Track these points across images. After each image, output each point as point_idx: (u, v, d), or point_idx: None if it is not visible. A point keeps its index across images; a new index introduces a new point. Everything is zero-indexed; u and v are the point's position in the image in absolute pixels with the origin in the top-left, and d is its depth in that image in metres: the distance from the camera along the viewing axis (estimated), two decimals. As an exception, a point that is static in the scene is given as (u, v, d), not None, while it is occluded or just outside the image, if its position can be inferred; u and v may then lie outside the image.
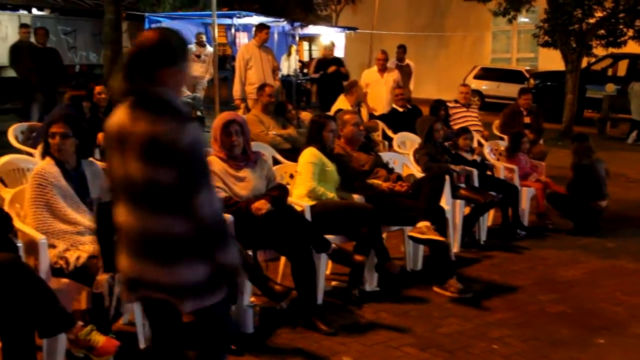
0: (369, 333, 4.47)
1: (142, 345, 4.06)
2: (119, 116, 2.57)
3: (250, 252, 4.38)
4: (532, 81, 19.32)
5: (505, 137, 8.46)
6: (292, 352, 4.14)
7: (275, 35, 16.59)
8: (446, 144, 7.11)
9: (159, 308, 2.64)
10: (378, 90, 9.98)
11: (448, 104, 9.01)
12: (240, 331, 4.29)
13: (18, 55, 10.42)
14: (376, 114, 9.71)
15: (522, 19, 20.32)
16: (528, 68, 21.88)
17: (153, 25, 15.96)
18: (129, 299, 2.71)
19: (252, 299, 4.50)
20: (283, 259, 4.99)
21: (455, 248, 6.29)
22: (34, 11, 16.19)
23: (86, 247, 3.76)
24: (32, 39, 10.67)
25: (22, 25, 11.87)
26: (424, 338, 4.42)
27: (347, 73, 12.03)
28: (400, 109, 9.16)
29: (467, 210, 6.58)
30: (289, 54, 17.17)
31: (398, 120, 8.92)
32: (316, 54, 28.22)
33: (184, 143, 2.45)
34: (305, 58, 25.74)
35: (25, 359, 3.33)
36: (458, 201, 6.36)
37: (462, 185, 6.47)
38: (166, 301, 2.57)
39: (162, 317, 2.69)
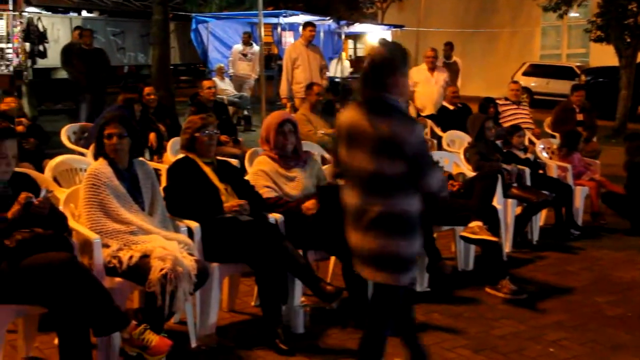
0: (421, 334, 4.39)
1: (193, 344, 4.08)
2: (350, 115, 3.13)
3: (300, 252, 4.35)
4: (583, 77, 18.91)
5: (557, 134, 8.27)
6: (342, 352, 4.09)
7: (322, 34, 16.56)
8: (497, 142, 6.98)
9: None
10: (428, 89, 9.82)
11: (497, 101, 8.86)
12: (291, 332, 4.28)
13: (69, 57, 10.60)
14: (424, 113, 9.59)
15: (573, 13, 19.91)
16: (579, 64, 21.42)
17: (200, 26, 16.12)
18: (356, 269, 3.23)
19: (303, 299, 4.48)
20: (333, 258, 4.95)
21: (507, 248, 6.16)
22: (84, 13, 16.49)
23: (139, 247, 3.78)
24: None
25: (76, 28, 12.09)
26: (477, 340, 4.34)
27: None
28: (451, 107, 9.03)
29: (519, 209, 6.45)
30: (340, 59, 17.14)
31: (448, 118, 8.79)
32: (361, 52, 28.14)
33: (413, 141, 2.96)
34: (352, 56, 25.68)
35: (80, 357, 3.36)
36: (510, 200, 6.24)
37: (514, 184, 6.34)
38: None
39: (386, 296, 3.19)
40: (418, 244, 3.12)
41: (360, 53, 26.27)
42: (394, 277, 3.10)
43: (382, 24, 24.18)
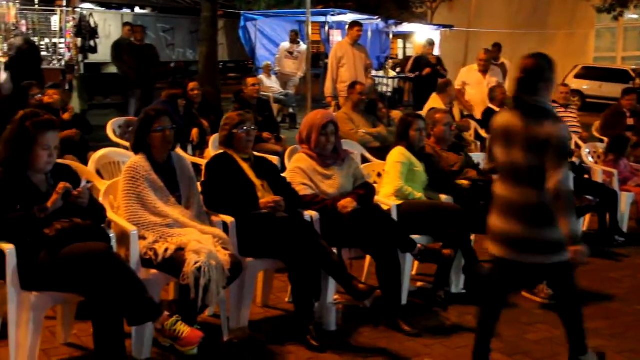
0: (453, 336, 4.38)
1: (225, 337, 4.13)
2: (506, 117, 3.58)
3: (335, 250, 4.37)
4: (637, 81, 18.47)
5: (605, 139, 8.11)
6: (374, 351, 4.10)
7: (369, 33, 16.52)
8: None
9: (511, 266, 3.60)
10: (479, 91, 9.71)
11: (545, 104, 8.71)
12: (323, 329, 4.30)
13: (118, 52, 10.80)
14: (473, 114, 9.47)
15: (630, 15, 19.46)
16: (634, 67, 20.92)
17: (248, 23, 16.24)
18: (494, 252, 3.64)
19: (336, 296, 4.50)
20: (368, 257, 4.95)
21: (548, 252, 6.06)
22: (136, 10, 16.77)
23: (174, 240, 3.84)
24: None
25: (126, 24, 12.32)
26: (510, 343, 4.30)
27: (444, 73, 11.78)
28: (497, 109, 8.92)
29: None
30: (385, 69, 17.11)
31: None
32: (410, 52, 27.98)
33: (560, 139, 3.37)
34: (400, 56, 25.54)
35: (114, 346, 3.43)
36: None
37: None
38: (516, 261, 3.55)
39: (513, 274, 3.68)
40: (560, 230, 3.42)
41: (409, 53, 26.11)
42: (546, 258, 3.54)
43: (431, 23, 24.02)
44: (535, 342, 4.34)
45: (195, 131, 7.30)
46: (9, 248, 3.41)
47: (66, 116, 6.58)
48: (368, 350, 4.12)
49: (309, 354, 4.00)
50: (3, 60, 10.95)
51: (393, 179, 5.13)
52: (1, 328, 3.68)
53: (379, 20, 17.14)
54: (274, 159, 5.53)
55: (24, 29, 11.85)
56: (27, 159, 3.59)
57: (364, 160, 6.30)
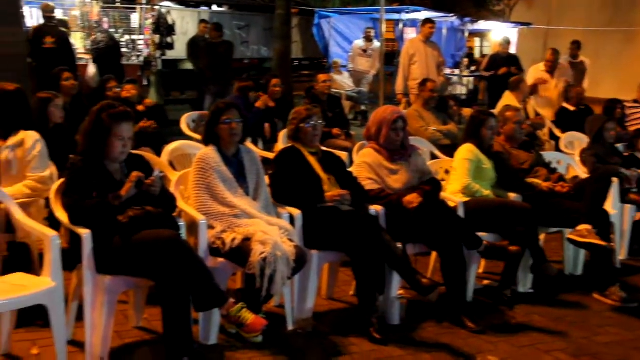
0: (518, 334, 4.33)
1: (290, 327, 4.21)
2: None
3: (399, 245, 4.38)
4: None
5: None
6: (437, 346, 4.10)
7: (444, 31, 16.37)
8: (618, 145, 6.70)
9: None
10: (547, 94, 9.54)
11: (625, 103, 8.47)
12: (386, 322, 4.32)
13: (194, 49, 11.06)
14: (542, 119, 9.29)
15: None
16: None
17: (322, 21, 16.34)
18: None
19: (401, 291, 4.50)
20: (434, 254, 4.95)
21: (621, 255, 5.91)
22: (214, 7, 17.07)
23: (241, 230, 3.93)
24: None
25: (202, 21, 12.58)
26: (578, 345, 4.22)
27: (521, 72, 11.55)
28: (572, 108, 8.72)
29: (638, 216, 6.16)
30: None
31: (568, 119, 8.49)
32: (487, 50, 27.54)
33: None
34: (476, 55, 25.18)
35: (182, 330, 3.54)
36: (628, 206, 5.97)
37: (634, 189, 6.06)
38: None
39: None
40: None
41: (486, 51, 25.69)
42: None
43: (508, 21, 23.59)
44: (605, 345, 4.25)
45: (267, 126, 7.41)
46: (85, 233, 3.57)
47: (140, 107, 6.80)
48: (431, 345, 4.12)
49: (371, 346, 4.04)
50: (87, 56, 11.38)
51: (460, 176, 5.11)
52: (78, 310, 3.84)
53: (454, 17, 16.95)
54: (343, 155, 5.58)
55: (105, 26, 12.26)
56: (103, 149, 3.75)
57: (433, 157, 6.28)
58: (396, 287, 4.43)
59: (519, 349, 4.13)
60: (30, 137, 4.30)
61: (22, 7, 8.12)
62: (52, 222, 4.13)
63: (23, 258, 4.21)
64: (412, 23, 16.47)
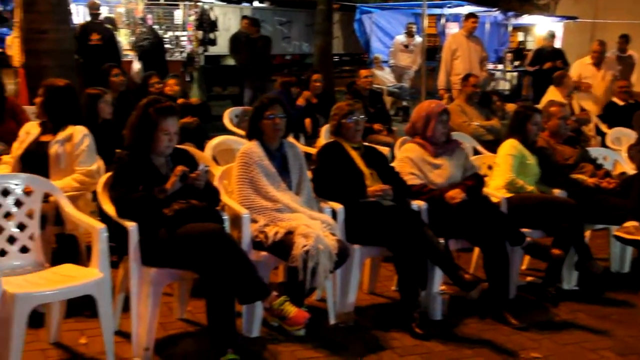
0: (562, 332, 4.29)
1: (331, 321, 4.23)
2: None
3: (442, 240, 4.37)
4: None
5: None
6: (479, 342, 4.08)
7: (487, 25, 16.19)
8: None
9: None
10: (594, 85, 9.36)
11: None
12: (428, 317, 4.32)
13: (235, 45, 11.14)
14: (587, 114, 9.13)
15: None
16: None
17: (364, 16, 16.29)
18: None
19: (443, 287, 4.49)
20: (476, 250, 4.92)
21: (670, 252, 5.79)
22: (255, 3, 17.21)
23: (284, 224, 3.96)
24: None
25: (244, 17, 12.67)
26: (624, 343, 4.16)
27: (566, 66, 11.36)
28: (621, 103, 8.56)
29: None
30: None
31: (616, 114, 8.33)
32: (531, 45, 27.15)
33: None
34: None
35: (226, 323, 3.58)
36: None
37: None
38: None
39: None
40: None
41: (530, 46, 25.32)
42: None
43: (553, 15, 23.23)
44: (652, 344, 4.18)
45: (308, 121, 7.44)
46: (131, 226, 3.64)
47: (180, 101, 6.88)
48: (473, 340, 4.10)
49: (413, 341, 4.04)
50: (131, 53, 11.55)
51: (504, 171, 5.06)
52: (125, 301, 3.92)
53: (498, 12, 16.75)
54: (385, 150, 5.57)
55: (150, 22, 12.42)
56: (149, 143, 3.82)
57: (476, 152, 6.23)
58: (438, 283, 4.42)
59: (563, 346, 4.08)
60: (79, 132, 4.39)
61: (69, 5, 8.27)
62: (100, 215, 4.22)
63: (71, 250, 4.31)
64: (455, 18, 16.34)
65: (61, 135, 4.37)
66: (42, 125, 4.46)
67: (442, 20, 16.24)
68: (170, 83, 7.03)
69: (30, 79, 7.54)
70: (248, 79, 10.68)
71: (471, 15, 9.74)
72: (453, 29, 16.15)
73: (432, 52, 15.46)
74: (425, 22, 11.31)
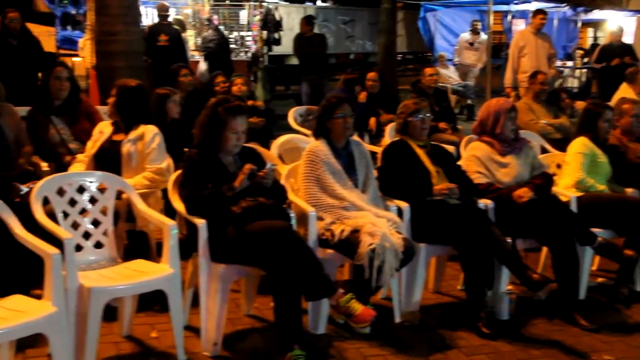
0: (636, 334, 4.18)
1: (397, 319, 4.23)
2: None
3: (509, 240, 4.31)
4: None
5: None
6: (547, 343, 4.01)
7: (555, 22, 15.84)
8: None
9: None
10: None
11: None
12: (495, 317, 4.27)
13: (299, 44, 11.21)
14: None
15: None
16: None
17: (428, 14, 16.17)
18: None
19: (510, 286, 4.44)
20: (544, 249, 4.83)
21: None
22: (319, 3, 17.28)
23: (350, 222, 3.98)
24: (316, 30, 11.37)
25: (304, 17, 12.75)
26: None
27: (636, 62, 11.03)
28: (697, 100, 8.26)
29: None
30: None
31: None
32: (602, 41, 26.44)
33: None
34: (588, 46, 24.24)
35: (292, 319, 3.62)
36: None
37: None
38: None
39: None
40: None
41: (600, 41, 24.68)
42: None
43: (626, 9, 22.56)
44: None
45: (372, 120, 7.44)
46: (201, 223, 3.72)
47: (249, 102, 6.97)
48: (541, 341, 4.04)
49: (479, 340, 4.00)
50: (197, 53, 11.76)
51: (574, 170, 4.97)
52: (194, 297, 4.00)
53: (567, 7, 16.37)
54: (450, 149, 5.53)
55: (215, 23, 12.61)
56: (218, 142, 3.89)
57: (544, 151, 6.12)
58: (505, 282, 4.36)
59: (637, 348, 3.99)
60: (150, 131, 4.50)
61: (139, 7, 8.48)
62: (169, 212, 4.33)
63: (142, 246, 4.43)
64: (522, 14, 16.04)
65: (133, 134, 4.48)
66: (115, 125, 4.59)
67: (509, 17, 15.97)
68: (237, 82, 7.11)
69: (101, 79, 7.76)
70: (305, 77, 10.73)
71: (539, 11, 9.56)
72: (520, 25, 15.87)
73: (497, 50, 15.25)
74: (491, 19, 11.14)
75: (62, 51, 12.50)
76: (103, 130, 4.60)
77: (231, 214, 3.72)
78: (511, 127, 4.74)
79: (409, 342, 3.99)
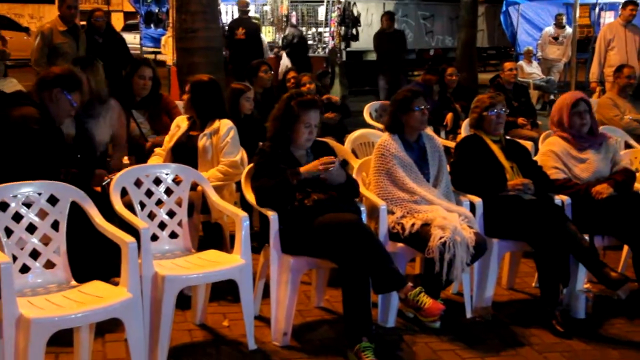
0: None
1: (468, 315, 4.17)
2: None
3: (586, 237, 4.19)
4: None
5: None
6: (626, 344, 3.89)
7: (646, 13, 15.24)
8: None
9: None
10: None
11: None
12: (570, 316, 4.16)
13: (379, 40, 11.20)
14: None
15: None
16: None
17: (510, 8, 15.85)
18: None
19: (587, 284, 4.32)
20: (625, 247, 4.67)
21: None
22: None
23: (421, 215, 3.96)
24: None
25: (386, 13, 12.71)
26: None
27: None
28: None
29: None
30: None
31: None
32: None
33: None
34: None
35: (362, 312, 3.61)
36: None
37: None
38: None
39: None
40: None
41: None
42: None
43: None
44: None
45: (449, 116, 7.36)
46: (272, 214, 3.77)
47: (325, 97, 6.97)
48: (619, 342, 3.91)
49: (554, 339, 3.91)
50: (275, 49, 11.90)
51: (658, 166, 4.79)
52: (265, 288, 4.07)
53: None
54: (528, 145, 5.42)
55: (293, 20, 12.74)
56: (290, 135, 3.93)
57: (628, 147, 5.91)
58: (582, 280, 4.25)
59: None
60: (225, 125, 4.58)
61: (219, 4, 8.65)
62: (244, 205, 4.41)
63: (216, 237, 4.53)
64: (611, 6, 15.51)
65: (208, 129, 4.57)
66: (191, 120, 4.69)
67: (597, 10, 15.47)
68: (305, 81, 7.03)
69: (181, 76, 7.95)
70: (382, 73, 10.70)
71: (630, 2, 9.18)
72: (609, 18, 15.35)
73: (584, 44, 14.79)
74: (578, 11, 10.80)
75: (145, 49, 12.88)
76: (180, 124, 4.72)
77: (302, 206, 3.76)
78: (580, 122, 4.59)
79: (480, 337, 3.94)
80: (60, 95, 4.00)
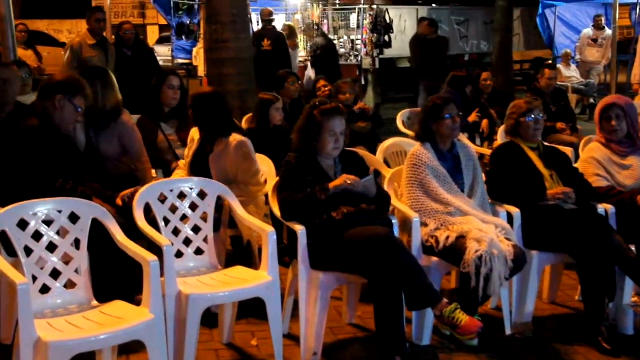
0: None
1: (507, 331, 3.99)
2: None
3: (633, 247, 3.98)
4: None
5: None
6: (678, 363, 3.67)
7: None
8: None
9: None
10: None
11: None
12: (617, 332, 3.94)
13: (414, 47, 11.02)
14: None
15: None
16: None
17: (547, 10, 15.54)
18: None
19: (634, 298, 4.11)
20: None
21: None
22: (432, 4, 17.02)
23: (455, 227, 3.80)
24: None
25: (422, 19, 12.54)
26: None
27: None
28: None
29: None
30: None
31: None
32: None
33: None
34: None
35: (395, 329, 3.48)
36: None
37: None
38: None
39: None
40: None
41: None
42: None
43: None
44: None
45: (485, 122, 7.18)
46: (300, 229, 3.64)
47: (358, 105, 6.82)
48: (671, 360, 3.70)
49: (599, 356, 3.72)
50: (303, 59, 11.81)
51: None
52: (294, 305, 3.93)
53: None
54: (568, 150, 5.21)
55: (325, 28, 12.65)
56: (315, 145, 3.80)
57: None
58: (629, 294, 4.04)
59: None
60: (232, 142, 4.35)
61: (249, 14, 8.57)
62: (275, 220, 4.27)
63: (245, 253, 4.41)
64: (653, 6, 15.10)
65: (217, 148, 4.35)
66: (202, 132, 4.52)
67: (637, 10, 15.09)
68: (345, 89, 6.84)
69: (212, 86, 7.87)
70: (423, 80, 10.52)
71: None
72: (650, 18, 14.98)
73: (624, 46, 14.45)
74: (617, 12, 10.51)
75: (177, 60, 12.92)
76: (194, 137, 4.56)
77: (331, 220, 3.62)
78: (612, 128, 4.40)
79: (521, 355, 3.77)
80: (64, 101, 3.91)
